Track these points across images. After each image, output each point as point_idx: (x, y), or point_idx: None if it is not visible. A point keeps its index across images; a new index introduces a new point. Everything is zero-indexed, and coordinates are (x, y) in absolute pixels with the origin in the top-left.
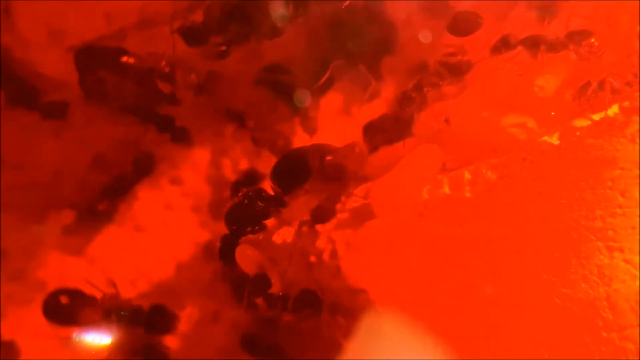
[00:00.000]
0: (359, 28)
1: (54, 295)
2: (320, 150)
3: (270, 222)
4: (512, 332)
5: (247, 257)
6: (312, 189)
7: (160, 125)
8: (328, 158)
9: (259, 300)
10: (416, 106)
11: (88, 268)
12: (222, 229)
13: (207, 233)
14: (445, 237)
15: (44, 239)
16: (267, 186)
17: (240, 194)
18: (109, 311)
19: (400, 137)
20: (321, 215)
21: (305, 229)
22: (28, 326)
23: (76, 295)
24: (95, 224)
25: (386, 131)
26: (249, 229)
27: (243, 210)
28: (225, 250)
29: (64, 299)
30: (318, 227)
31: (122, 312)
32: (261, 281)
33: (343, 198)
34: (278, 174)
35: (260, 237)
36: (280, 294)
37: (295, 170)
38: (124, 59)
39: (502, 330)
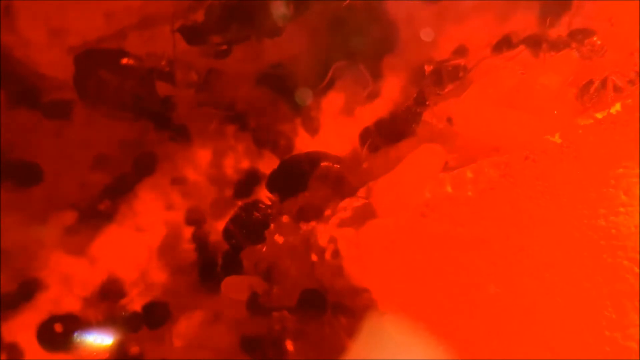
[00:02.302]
0: (359, 27)
1: (48, 324)
2: (316, 158)
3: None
4: (515, 332)
5: (234, 286)
6: (310, 189)
7: (159, 123)
8: (327, 164)
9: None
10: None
11: (89, 268)
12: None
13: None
14: (447, 236)
15: (45, 239)
16: (263, 196)
17: (237, 208)
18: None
19: (401, 138)
20: (306, 213)
21: (285, 219)
22: (31, 327)
23: (70, 321)
24: (97, 224)
25: (386, 134)
26: (249, 241)
27: (242, 223)
28: (227, 266)
29: (58, 327)
30: (317, 226)
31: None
32: (257, 301)
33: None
34: (274, 183)
35: (264, 249)
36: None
37: (291, 179)
38: (124, 61)
39: (504, 330)
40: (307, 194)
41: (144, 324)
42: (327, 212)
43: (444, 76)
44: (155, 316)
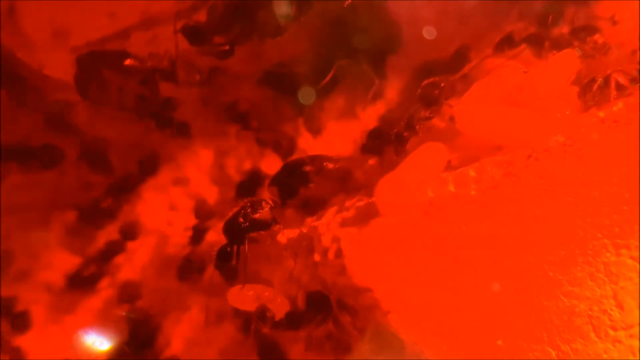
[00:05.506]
0: (361, 27)
1: None
2: (319, 160)
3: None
4: (519, 330)
5: (240, 297)
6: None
7: (161, 123)
8: (331, 166)
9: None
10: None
11: (92, 268)
12: None
13: (211, 233)
14: (450, 235)
15: (48, 239)
16: (266, 197)
17: (240, 205)
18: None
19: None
20: (311, 206)
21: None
22: (34, 328)
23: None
24: (99, 224)
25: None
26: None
27: (245, 218)
28: (221, 260)
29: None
30: (321, 224)
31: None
32: (264, 314)
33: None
34: (277, 185)
35: (268, 242)
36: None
37: (293, 180)
38: (127, 61)
39: (508, 329)
40: (313, 187)
41: (146, 323)
42: (333, 208)
43: (440, 96)
44: (156, 316)
